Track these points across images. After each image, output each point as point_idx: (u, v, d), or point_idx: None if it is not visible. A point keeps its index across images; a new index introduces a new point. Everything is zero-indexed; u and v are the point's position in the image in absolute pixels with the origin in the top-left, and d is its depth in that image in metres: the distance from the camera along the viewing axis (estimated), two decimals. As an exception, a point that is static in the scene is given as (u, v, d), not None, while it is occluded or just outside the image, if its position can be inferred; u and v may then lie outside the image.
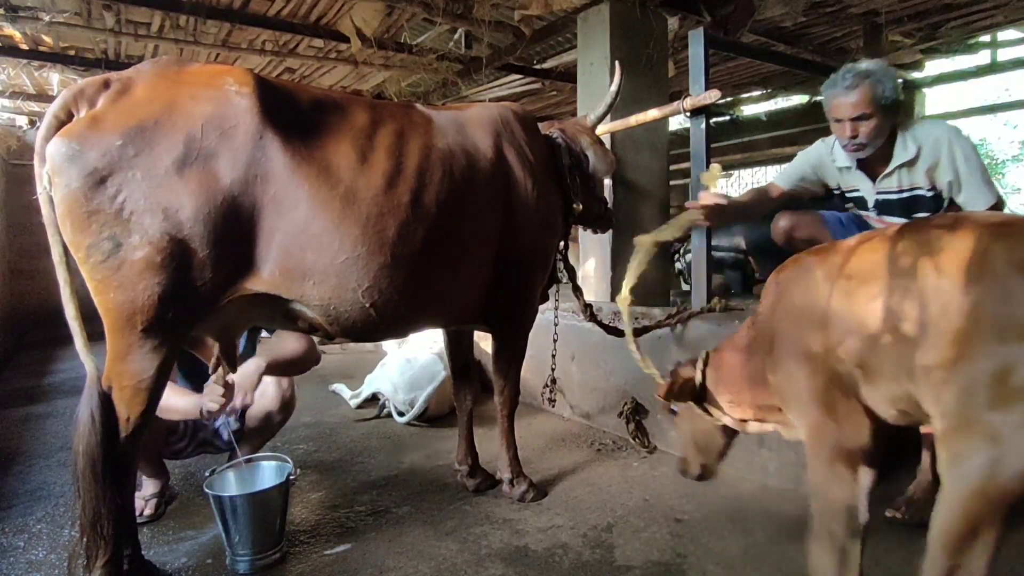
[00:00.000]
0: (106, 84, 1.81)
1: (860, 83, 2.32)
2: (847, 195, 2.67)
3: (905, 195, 2.47)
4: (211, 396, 2.31)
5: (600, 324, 3.05)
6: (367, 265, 1.96)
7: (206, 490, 2.17)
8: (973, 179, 2.31)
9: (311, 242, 1.88)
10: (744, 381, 1.67)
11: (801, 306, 1.45)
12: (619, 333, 2.77)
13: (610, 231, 3.40)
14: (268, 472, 2.41)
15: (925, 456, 2.49)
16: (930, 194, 2.42)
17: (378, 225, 1.96)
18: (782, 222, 2.86)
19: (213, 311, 1.89)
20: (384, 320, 2.07)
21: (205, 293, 1.82)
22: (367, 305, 2.00)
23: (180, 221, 1.74)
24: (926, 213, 2.39)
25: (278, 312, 2.04)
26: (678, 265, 5.71)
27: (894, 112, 2.37)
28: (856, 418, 1.37)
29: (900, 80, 2.32)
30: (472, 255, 2.29)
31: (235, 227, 1.81)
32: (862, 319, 1.33)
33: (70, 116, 1.77)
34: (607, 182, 3.88)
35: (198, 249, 1.77)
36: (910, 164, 2.40)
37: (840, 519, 1.39)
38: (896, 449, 2.96)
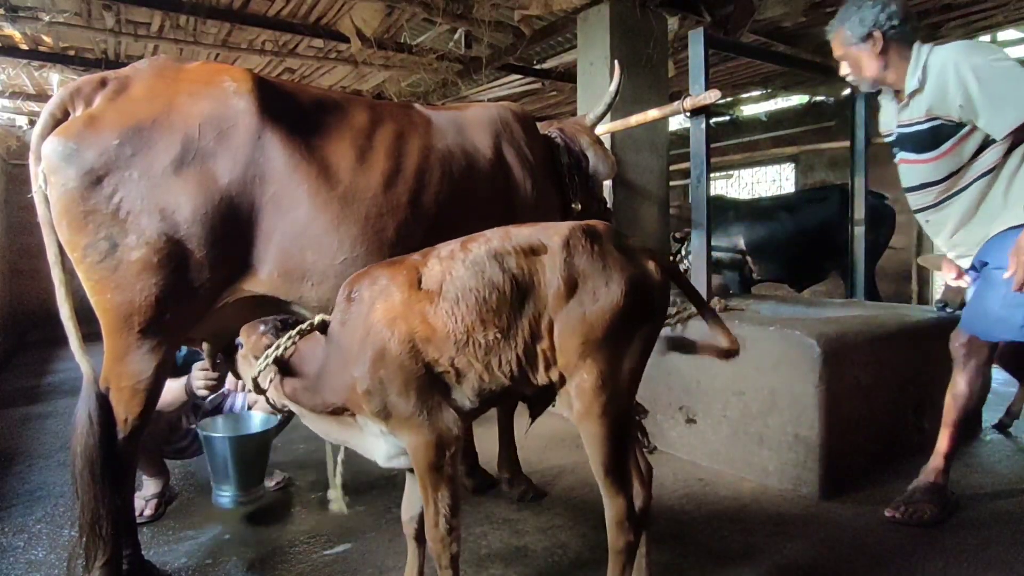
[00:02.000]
0: (103, 83, 1.80)
1: (834, 28, 2.34)
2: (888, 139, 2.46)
3: (924, 126, 2.20)
4: (199, 377, 2.33)
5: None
6: (366, 265, 1.95)
7: (198, 431, 2.42)
8: (986, 98, 1.99)
9: (310, 242, 1.87)
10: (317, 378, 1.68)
11: (396, 315, 1.56)
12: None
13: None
14: (255, 420, 2.63)
15: (935, 459, 2.48)
16: (950, 124, 2.14)
17: (377, 225, 1.95)
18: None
19: (211, 312, 1.89)
20: None
21: (203, 294, 1.82)
22: None
23: (177, 221, 1.73)
24: (948, 143, 2.16)
25: (278, 314, 2.04)
26: (682, 267, 5.72)
27: (877, 42, 2.20)
28: (447, 414, 1.58)
29: (893, 6, 2.20)
30: None
31: (233, 228, 1.81)
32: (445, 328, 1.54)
33: (66, 115, 1.76)
34: (607, 182, 3.88)
35: (195, 250, 1.76)
36: (919, 92, 2.17)
37: (455, 517, 1.59)
38: (896, 449, 2.96)
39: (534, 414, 1.83)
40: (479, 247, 1.62)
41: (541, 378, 1.63)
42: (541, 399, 1.79)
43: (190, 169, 1.75)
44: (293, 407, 1.73)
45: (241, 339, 1.69)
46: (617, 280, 1.59)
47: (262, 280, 1.88)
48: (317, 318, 1.63)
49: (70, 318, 1.81)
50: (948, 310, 3.12)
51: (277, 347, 1.59)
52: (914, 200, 2.41)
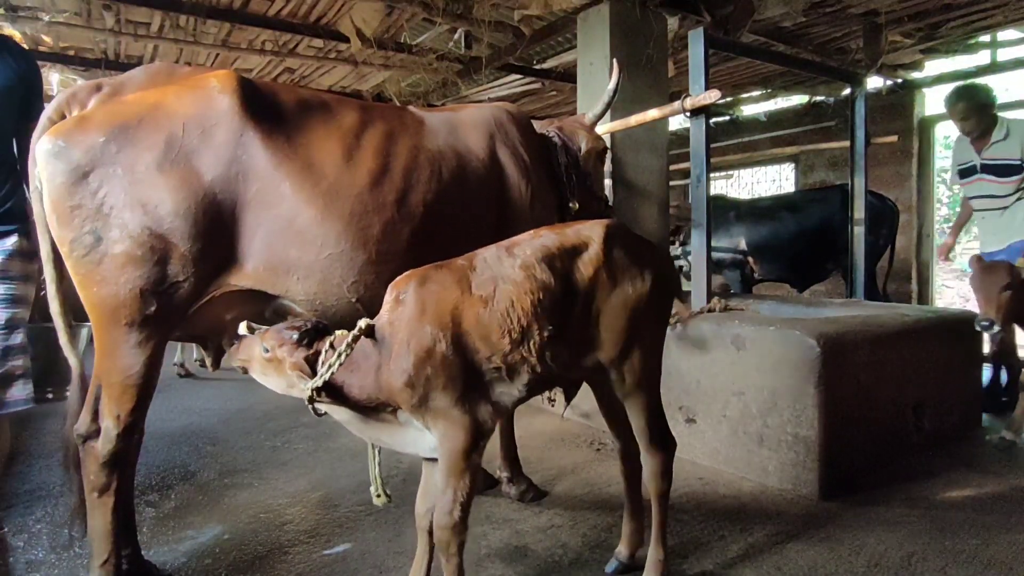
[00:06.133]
0: (98, 88, 1.88)
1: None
2: (963, 167, 3.98)
3: (1002, 162, 3.74)
4: None
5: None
6: (351, 260, 1.97)
7: None
8: None
9: (295, 238, 1.91)
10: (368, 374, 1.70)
11: (448, 317, 1.64)
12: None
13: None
14: None
15: None
16: (1017, 162, 3.71)
17: (362, 222, 1.98)
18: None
19: (199, 306, 1.91)
20: (373, 315, 2.07)
21: (188, 288, 1.84)
22: (353, 300, 2.02)
23: (160, 216, 1.77)
24: (1017, 175, 3.73)
25: (267, 309, 2.05)
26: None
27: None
28: (484, 408, 1.68)
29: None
30: (464, 253, 2.30)
31: (217, 223, 1.84)
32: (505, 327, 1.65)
33: (63, 118, 1.83)
34: (607, 182, 3.88)
35: (179, 244, 1.79)
36: (1002, 142, 3.72)
37: (469, 505, 1.66)
38: (896, 449, 2.96)
39: (569, 396, 2.03)
40: (526, 251, 1.75)
41: (590, 361, 1.81)
42: (577, 383, 1.98)
43: (174, 166, 1.79)
44: (330, 409, 1.74)
45: (267, 344, 1.69)
46: (647, 269, 1.83)
47: (248, 274, 1.91)
48: (364, 323, 1.66)
49: (59, 314, 1.86)
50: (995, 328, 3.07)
51: (339, 356, 1.62)
52: (979, 203, 3.95)
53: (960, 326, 3.34)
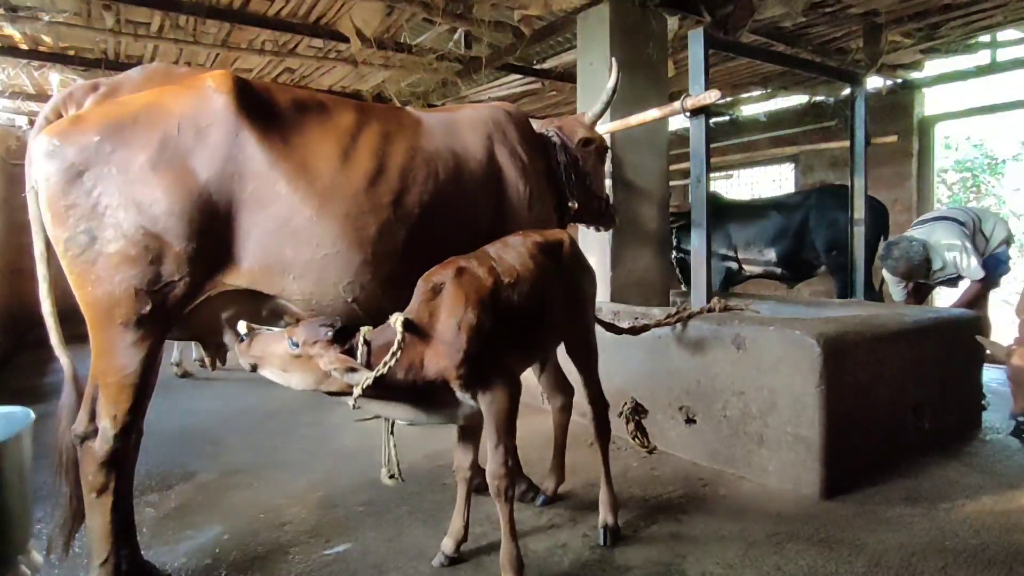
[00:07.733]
0: (95, 88, 1.89)
1: None
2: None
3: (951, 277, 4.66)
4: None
5: (600, 322, 3.04)
6: (348, 261, 1.97)
7: None
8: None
9: (290, 237, 1.91)
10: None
11: (489, 301, 1.92)
12: (618, 331, 2.79)
13: (610, 230, 3.40)
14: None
15: None
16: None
17: (358, 222, 1.98)
18: None
19: (195, 306, 1.91)
20: (369, 315, 2.07)
21: (183, 287, 1.85)
22: (349, 300, 2.02)
23: (155, 216, 1.77)
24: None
25: (264, 308, 2.05)
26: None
27: None
28: (519, 372, 2.05)
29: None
30: (461, 254, 2.30)
31: (212, 222, 1.84)
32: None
33: (59, 118, 1.84)
34: (608, 181, 3.89)
35: (173, 243, 1.79)
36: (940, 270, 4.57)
37: (515, 454, 2.08)
38: (896, 449, 2.95)
39: (544, 364, 2.54)
40: (528, 246, 2.12)
41: (570, 336, 2.32)
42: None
43: (169, 165, 1.80)
44: (361, 400, 1.84)
45: (296, 340, 1.78)
46: (590, 269, 2.42)
47: (244, 273, 1.91)
48: (400, 316, 1.84)
49: (51, 314, 1.88)
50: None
51: (398, 346, 1.79)
52: None
53: (960, 326, 3.34)
